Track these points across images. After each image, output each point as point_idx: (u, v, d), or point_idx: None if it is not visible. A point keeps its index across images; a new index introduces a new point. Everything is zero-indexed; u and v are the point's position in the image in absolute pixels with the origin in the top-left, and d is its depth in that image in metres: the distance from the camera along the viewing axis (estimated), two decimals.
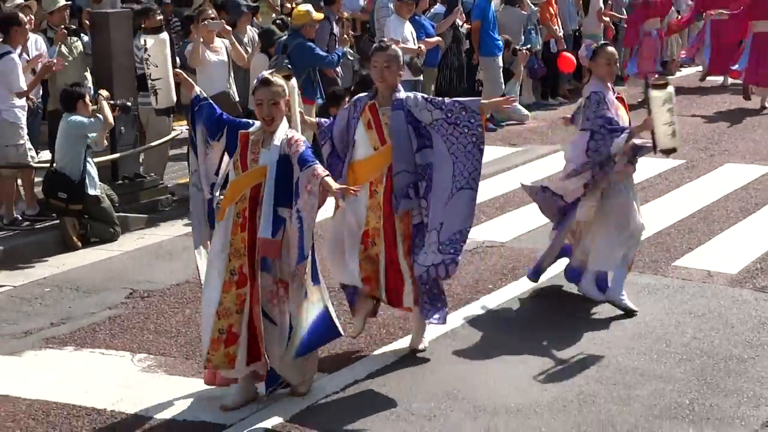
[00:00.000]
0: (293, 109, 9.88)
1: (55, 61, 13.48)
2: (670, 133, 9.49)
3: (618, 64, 9.96)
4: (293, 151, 7.81)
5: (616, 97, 9.95)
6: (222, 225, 7.98)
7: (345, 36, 16.55)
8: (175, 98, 8.74)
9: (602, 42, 10.37)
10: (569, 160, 10.04)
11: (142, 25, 14.29)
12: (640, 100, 20.34)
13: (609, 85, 9.95)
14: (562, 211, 10.17)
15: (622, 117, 9.86)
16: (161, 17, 14.78)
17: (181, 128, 15.16)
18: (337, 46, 15.84)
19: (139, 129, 14.70)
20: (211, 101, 8.36)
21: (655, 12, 21.30)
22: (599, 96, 9.72)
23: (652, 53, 20.94)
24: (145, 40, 8.64)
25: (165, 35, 8.61)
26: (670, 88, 9.59)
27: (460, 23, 17.94)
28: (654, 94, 9.50)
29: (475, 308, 10.29)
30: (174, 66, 8.55)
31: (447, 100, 8.94)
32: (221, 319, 7.84)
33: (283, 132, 7.93)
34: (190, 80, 8.41)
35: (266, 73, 8.06)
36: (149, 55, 8.67)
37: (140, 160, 14.58)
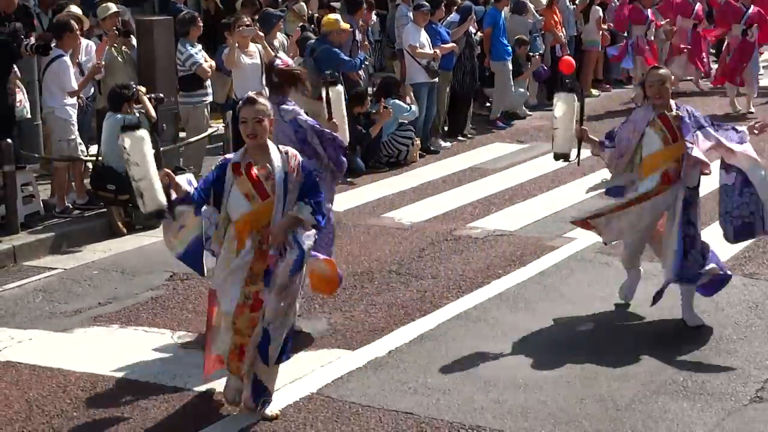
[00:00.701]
0: (340, 114, 9.78)
1: (103, 64, 13.46)
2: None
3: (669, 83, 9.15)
4: (297, 177, 7.38)
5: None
6: (242, 254, 7.35)
7: (366, 42, 16.47)
8: (163, 199, 7.11)
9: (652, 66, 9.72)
10: None
11: (186, 33, 14.30)
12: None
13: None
14: None
15: None
16: (201, 26, 14.80)
17: (217, 125, 15.05)
18: (359, 52, 15.75)
19: (178, 125, 14.64)
20: (199, 189, 7.46)
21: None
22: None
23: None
24: (123, 139, 7.04)
25: (143, 132, 7.19)
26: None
27: (473, 31, 17.85)
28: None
29: (486, 292, 10.19)
30: (159, 166, 7.28)
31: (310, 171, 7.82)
32: (236, 335, 7.41)
33: (275, 150, 7.40)
34: (178, 181, 7.35)
35: (252, 93, 7.52)
36: (129, 155, 7.11)
37: (180, 155, 14.50)
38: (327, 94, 9.58)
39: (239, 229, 7.33)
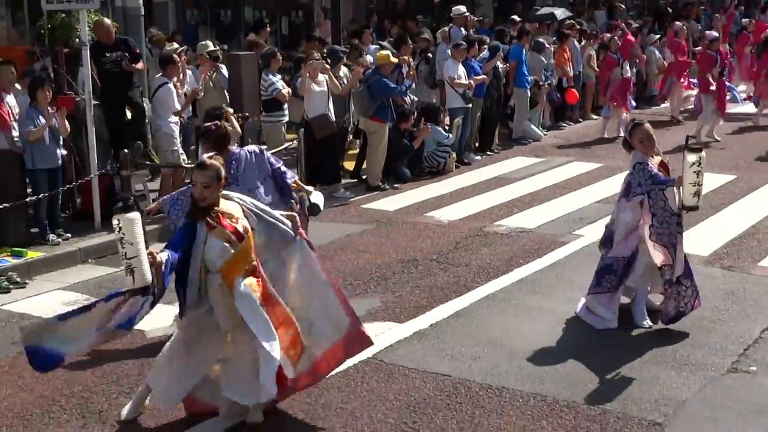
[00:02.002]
0: None
1: (200, 89, 13.60)
2: (694, 193, 8.04)
3: (652, 139, 8.41)
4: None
5: (659, 164, 8.55)
6: (240, 291, 6.44)
7: (411, 72, 16.42)
8: (149, 277, 6.21)
9: (636, 122, 8.66)
10: (626, 225, 8.59)
11: (268, 65, 14.40)
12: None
13: (651, 155, 8.52)
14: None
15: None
16: (280, 59, 14.89)
17: (293, 139, 15.08)
18: (405, 80, 15.71)
19: (261, 140, 14.72)
20: (172, 254, 6.36)
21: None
22: (643, 165, 8.34)
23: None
24: (118, 219, 6.12)
25: (135, 214, 6.17)
26: (703, 153, 8.10)
27: (501, 66, 17.80)
28: (687, 156, 7.99)
29: (509, 278, 10.19)
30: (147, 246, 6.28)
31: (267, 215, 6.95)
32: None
33: (226, 202, 6.58)
34: (160, 260, 6.27)
35: (204, 157, 6.59)
36: (123, 234, 6.23)
37: None
38: None
39: (225, 274, 6.43)
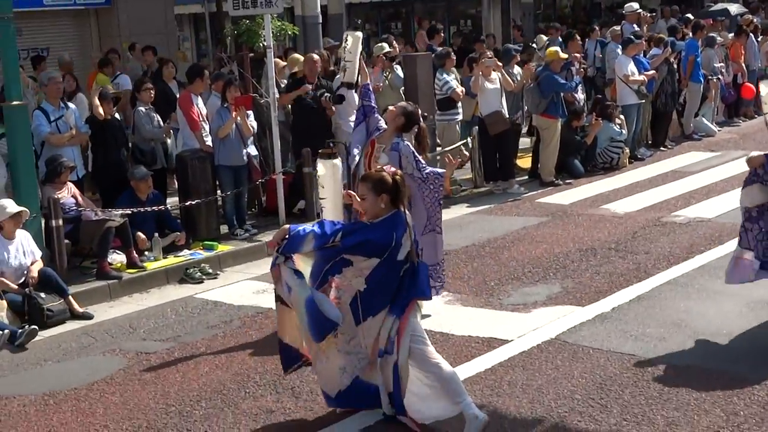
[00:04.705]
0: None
1: (380, 85, 13.70)
2: None
3: None
4: None
5: None
6: None
7: (581, 69, 16.11)
8: (341, 216, 6.72)
9: None
10: None
11: (443, 65, 14.41)
12: None
13: None
14: None
15: None
16: (454, 59, 14.88)
17: (467, 139, 15.01)
18: (574, 77, 15.43)
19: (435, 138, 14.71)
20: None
21: None
22: None
23: None
24: (318, 165, 6.89)
25: (337, 161, 6.95)
26: None
27: (673, 61, 17.30)
28: None
29: (690, 264, 9.87)
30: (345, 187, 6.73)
31: (423, 164, 7.85)
32: None
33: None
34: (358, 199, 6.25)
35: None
36: (319, 176, 6.95)
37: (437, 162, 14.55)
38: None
39: None
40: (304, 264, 6.09)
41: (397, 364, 6.05)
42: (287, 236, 6.01)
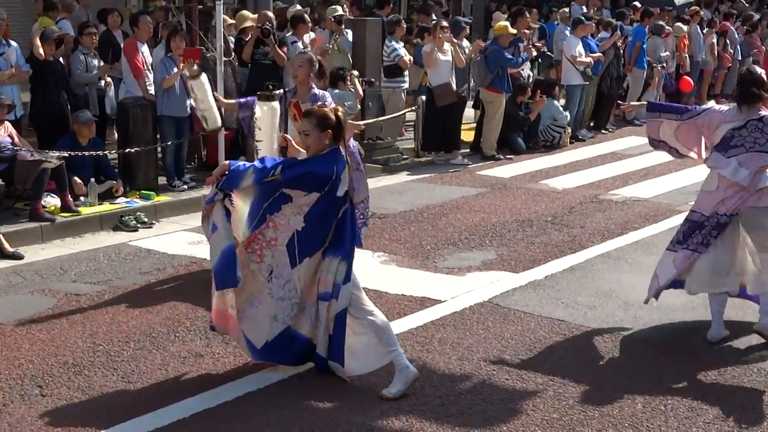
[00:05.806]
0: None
1: (329, 47, 13.60)
2: None
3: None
4: None
5: None
6: None
7: (530, 46, 16.12)
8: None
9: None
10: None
11: (392, 32, 14.32)
12: None
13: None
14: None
15: None
16: (404, 27, 14.80)
17: (413, 107, 14.96)
18: (521, 53, 15.41)
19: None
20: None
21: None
22: None
23: None
24: (256, 107, 6.85)
25: (275, 104, 6.90)
26: None
27: (621, 45, 17.39)
28: None
29: (624, 239, 9.98)
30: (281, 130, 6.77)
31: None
32: None
33: None
34: (296, 148, 6.35)
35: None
36: (257, 118, 6.94)
37: (381, 127, 14.53)
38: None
39: None
40: (242, 203, 6.00)
41: (346, 310, 6.04)
42: (227, 172, 5.93)
